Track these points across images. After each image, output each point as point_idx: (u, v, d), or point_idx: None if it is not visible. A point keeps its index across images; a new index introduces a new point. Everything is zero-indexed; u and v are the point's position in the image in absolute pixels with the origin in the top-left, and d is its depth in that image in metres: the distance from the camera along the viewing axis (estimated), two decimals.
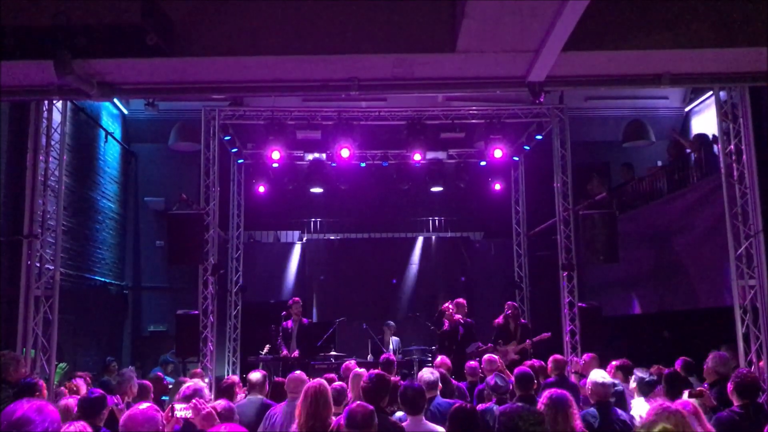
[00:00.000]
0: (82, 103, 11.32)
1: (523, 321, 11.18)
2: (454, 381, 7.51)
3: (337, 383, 5.81)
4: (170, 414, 4.41)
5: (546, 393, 4.20)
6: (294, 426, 4.63)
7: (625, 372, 7.11)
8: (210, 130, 11.38)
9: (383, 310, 14.20)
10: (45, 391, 5.99)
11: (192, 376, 7.45)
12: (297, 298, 11.66)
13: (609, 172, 14.26)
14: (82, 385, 7.29)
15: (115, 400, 5.63)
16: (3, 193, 9.07)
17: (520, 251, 14.12)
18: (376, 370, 5.21)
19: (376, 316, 13.44)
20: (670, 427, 2.94)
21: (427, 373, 6.06)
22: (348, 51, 6.16)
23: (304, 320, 11.39)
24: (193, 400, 4.53)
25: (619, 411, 5.47)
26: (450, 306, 10.99)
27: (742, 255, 7.78)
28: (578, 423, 4.18)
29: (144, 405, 3.89)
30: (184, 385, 5.14)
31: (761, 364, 7.45)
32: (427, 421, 4.98)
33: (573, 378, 8.00)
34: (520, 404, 3.54)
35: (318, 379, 4.99)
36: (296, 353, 10.93)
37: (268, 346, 11.44)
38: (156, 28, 5.74)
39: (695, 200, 9.96)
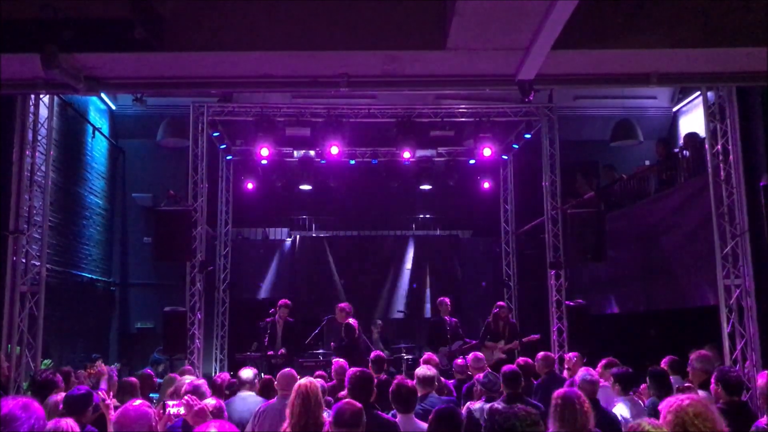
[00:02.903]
0: (70, 98, 11.23)
1: (512, 321, 11.21)
2: (443, 379, 7.52)
3: (323, 381, 5.79)
4: (162, 411, 4.40)
5: (556, 393, 4.15)
6: (285, 424, 4.61)
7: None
8: (198, 126, 11.33)
9: (372, 308, 14.19)
10: (63, 385, 5.93)
11: (182, 374, 7.40)
12: (287, 301, 11.50)
13: (597, 171, 14.33)
14: (104, 371, 7.27)
15: (103, 395, 5.60)
16: None
17: (509, 249, 14.16)
18: (360, 368, 5.21)
19: (365, 314, 13.43)
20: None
21: (423, 369, 6.05)
22: (338, 47, 6.14)
23: (289, 319, 11.29)
24: (186, 397, 4.52)
25: (606, 408, 5.49)
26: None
27: (728, 254, 7.83)
28: (592, 420, 4.13)
29: (137, 402, 3.88)
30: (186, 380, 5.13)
31: (747, 363, 7.51)
32: (417, 419, 4.97)
33: (566, 374, 8.03)
34: (519, 405, 3.49)
35: (307, 377, 4.98)
36: (282, 351, 10.88)
37: (255, 343, 11.39)
38: (144, 22, 5.68)
39: (682, 200, 10.01)
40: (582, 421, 3.96)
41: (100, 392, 5.34)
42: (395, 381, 5.25)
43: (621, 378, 6.01)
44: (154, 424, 3.83)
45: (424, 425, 4.87)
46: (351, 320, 10.27)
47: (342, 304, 10.85)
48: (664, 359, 7.24)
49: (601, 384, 6.03)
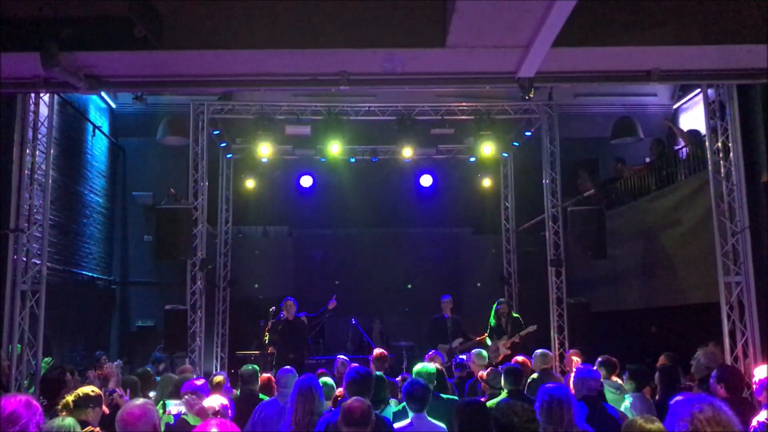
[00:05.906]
0: (70, 96, 11.22)
1: (513, 315, 11.21)
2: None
3: (327, 378, 5.80)
4: (162, 410, 4.41)
5: (543, 390, 4.14)
6: (288, 420, 4.62)
7: (609, 368, 7.13)
8: (198, 124, 11.32)
9: (372, 306, 14.19)
10: (71, 384, 5.92)
11: (180, 372, 7.41)
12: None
13: (597, 168, 14.32)
14: (112, 374, 7.26)
15: (120, 392, 5.62)
16: None
17: (509, 247, 14.16)
18: (359, 366, 5.21)
19: (365, 312, 13.43)
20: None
21: (424, 366, 6.05)
22: (338, 45, 6.14)
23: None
24: (186, 396, 4.53)
25: (607, 405, 5.49)
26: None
27: (728, 251, 7.83)
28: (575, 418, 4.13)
29: (140, 400, 3.87)
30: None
31: (747, 360, 7.51)
32: (430, 418, 4.95)
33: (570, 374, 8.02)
34: (517, 402, 3.48)
35: (308, 373, 5.00)
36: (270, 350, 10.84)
37: (256, 341, 11.38)
38: (144, 21, 5.69)
39: (683, 197, 10.01)
40: (569, 418, 3.96)
41: (117, 390, 5.37)
42: (409, 379, 5.23)
43: (634, 375, 6.11)
44: (158, 422, 3.83)
45: (437, 424, 4.85)
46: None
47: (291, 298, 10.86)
48: (662, 356, 7.26)
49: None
